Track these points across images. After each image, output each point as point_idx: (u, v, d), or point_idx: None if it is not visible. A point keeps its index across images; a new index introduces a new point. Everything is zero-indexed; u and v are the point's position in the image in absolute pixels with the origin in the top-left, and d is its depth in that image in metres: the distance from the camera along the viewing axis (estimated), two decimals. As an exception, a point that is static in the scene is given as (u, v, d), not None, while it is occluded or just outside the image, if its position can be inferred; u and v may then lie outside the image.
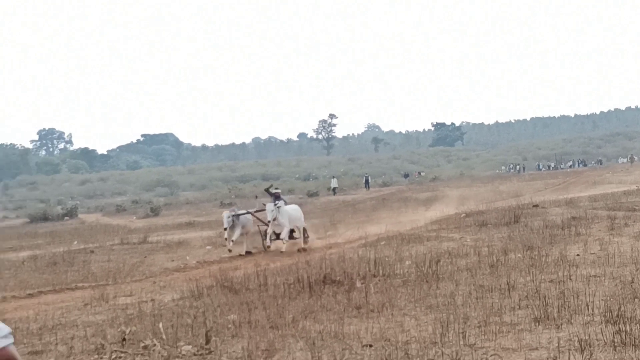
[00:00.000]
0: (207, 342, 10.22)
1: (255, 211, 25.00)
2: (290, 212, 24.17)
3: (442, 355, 8.15)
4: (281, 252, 22.53)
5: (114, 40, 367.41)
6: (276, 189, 27.20)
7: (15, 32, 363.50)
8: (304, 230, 25.19)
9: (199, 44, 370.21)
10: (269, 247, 24.25)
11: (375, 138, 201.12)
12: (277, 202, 24.22)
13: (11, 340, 2.22)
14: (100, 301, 15.62)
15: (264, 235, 24.16)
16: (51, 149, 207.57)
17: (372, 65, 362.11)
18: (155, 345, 10.31)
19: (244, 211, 25.01)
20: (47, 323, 13.34)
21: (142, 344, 10.42)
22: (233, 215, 23.78)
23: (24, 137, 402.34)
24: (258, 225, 24.66)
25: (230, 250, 23.77)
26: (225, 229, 23.74)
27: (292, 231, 24.65)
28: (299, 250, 22.87)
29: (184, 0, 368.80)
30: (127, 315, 13.47)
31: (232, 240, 23.70)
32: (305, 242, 24.68)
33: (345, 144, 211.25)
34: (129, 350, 10.27)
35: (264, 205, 24.75)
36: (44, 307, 15.70)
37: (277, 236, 24.33)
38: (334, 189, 75.22)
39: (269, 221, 23.32)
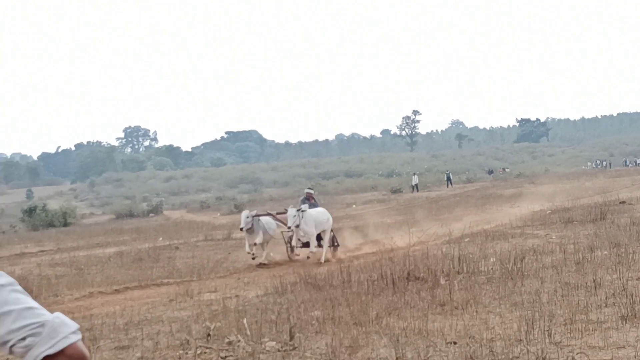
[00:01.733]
0: (291, 338, 10.23)
1: (277, 213, 22.91)
2: (316, 217, 21.76)
3: (528, 353, 8.08)
4: (321, 263, 20.49)
5: (199, 39, 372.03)
6: (309, 188, 26.52)
7: (101, 33, 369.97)
8: (333, 238, 23.20)
9: (282, 42, 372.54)
10: (297, 255, 22.55)
11: (459, 134, 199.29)
12: (301, 205, 22.23)
13: (79, 336, 2.27)
14: (185, 297, 15.83)
15: (288, 242, 22.48)
16: (137, 147, 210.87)
17: (456, 61, 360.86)
18: (239, 341, 10.38)
19: (264, 212, 23.12)
20: (133, 318, 13.56)
21: (226, 340, 10.52)
22: (253, 217, 21.63)
23: (110, 135, 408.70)
24: (282, 232, 22.65)
25: (253, 258, 21.66)
26: (242, 228, 21.67)
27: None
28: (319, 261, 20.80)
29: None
30: (211, 311, 13.61)
31: (255, 243, 21.61)
32: (334, 251, 22.80)
33: (429, 140, 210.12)
34: (213, 345, 10.36)
35: (286, 209, 22.58)
36: (130, 303, 15.98)
37: (304, 244, 22.49)
38: (415, 186, 74.82)
39: (289, 227, 21.24)
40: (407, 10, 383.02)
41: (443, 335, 9.63)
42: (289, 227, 21.03)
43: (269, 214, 22.71)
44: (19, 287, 2.39)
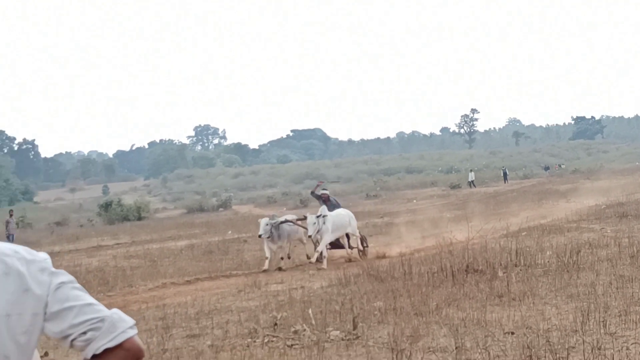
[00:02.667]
0: (355, 327, 10.25)
1: (298, 219, 20.89)
2: (335, 219, 19.97)
3: (583, 343, 7.99)
4: (319, 268, 18.80)
5: (267, 42, 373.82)
6: (324, 189, 23.95)
7: (175, 36, 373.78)
8: (362, 239, 21.68)
9: (346, 44, 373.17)
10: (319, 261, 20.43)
11: (516, 132, 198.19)
12: (321, 210, 20.26)
13: (136, 331, 2.30)
14: (253, 288, 15.89)
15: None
16: (206, 144, 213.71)
17: (513, 61, 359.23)
18: (305, 330, 10.43)
19: (283, 219, 20.85)
20: (203, 308, 13.69)
21: (292, 329, 10.58)
22: (273, 224, 19.83)
23: (181, 134, 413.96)
24: (309, 236, 20.55)
25: (284, 265, 20.03)
26: (260, 236, 20.00)
27: (337, 240, 20.93)
28: (348, 260, 19.81)
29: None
30: (278, 301, 13.68)
31: (282, 258, 20.12)
32: (363, 253, 21.12)
33: (487, 137, 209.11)
34: (280, 334, 10.42)
35: (305, 216, 20.74)
36: (201, 293, 16.13)
37: (333, 246, 20.95)
38: (471, 182, 74.45)
39: (309, 236, 19.60)
40: (466, 12, 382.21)
41: (501, 326, 9.57)
42: (310, 236, 19.53)
43: (287, 221, 20.75)
44: (78, 285, 2.42)
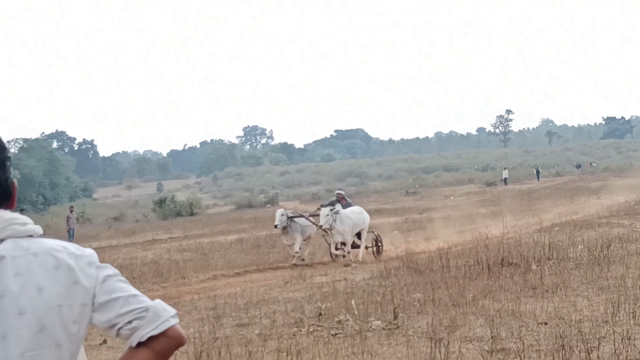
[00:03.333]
0: (395, 317, 10.30)
1: (311, 215, 20.39)
2: (352, 216, 19.55)
3: (614, 333, 7.96)
4: (357, 262, 18.60)
5: (311, 46, 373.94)
6: (339, 189, 24.09)
7: (222, 40, 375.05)
8: (377, 238, 21.02)
9: (387, 49, 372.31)
10: (342, 256, 20.17)
11: (549, 132, 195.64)
12: (335, 206, 19.85)
13: (177, 320, 2.37)
14: (299, 280, 15.99)
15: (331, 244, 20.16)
16: (254, 144, 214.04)
17: (546, 63, 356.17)
18: (348, 319, 10.47)
19: (298, 214, 20.65)
20: (252, 299, 13.79)
21: (336, 319, 10.65)
22: (288, 218, 19.61)
23: (231, 134, 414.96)
24: (324, 235, 20.42)
25: (298, 261, 19.66)
26: (276, 226, 19.83)
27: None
28: (346, 265, 18.36)
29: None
30: (322, 292, 13.72)
31: (296, 253, 19.65)
32: (377, 252, 20.56)
33: (521, 137, 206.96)
34: (324, 324, 10.48)
35: (319, 208, 20.23)
36: (249, 285, 16.27)
37: (354, 246, 20.31)
38: (505, 180, 73.64)
39: (320, 226, 19.01)
40: (500, 14, 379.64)
41: (535, 317, 9.56)
42: (321, 227, 18.94)
43: (301, 216, 20.55)
44: (123, 278, 2.50)
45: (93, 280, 2.37)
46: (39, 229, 2.37)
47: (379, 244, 20.75)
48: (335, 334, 9.98)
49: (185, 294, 16.01)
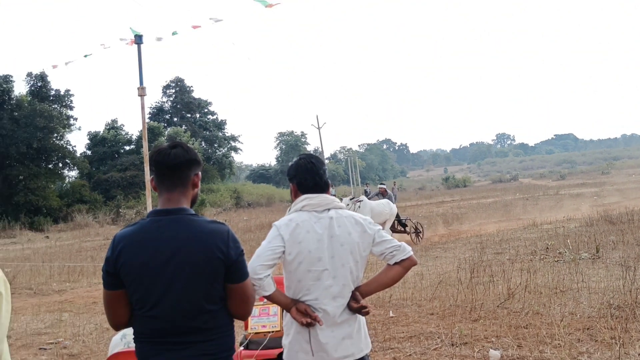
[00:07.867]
0: (597, 251, 12.06)
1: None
2: (374, 207, 18.33)
3: None
4: None
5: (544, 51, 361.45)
6: (382, 183, 23.34)
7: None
8: (417, 225, 20.04)
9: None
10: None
11: None
12: (360, 196, 18.99)
13: (412, 253, 3.29)
14: (533, 227, 18.65)
15: None
16: (503, 145, 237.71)
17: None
18: (565, 252, 12.44)
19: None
20: (504, 237, 16.47)
21: (557, 251, 12.66)
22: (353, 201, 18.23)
23: (487, 137, 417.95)
24: None
25: None
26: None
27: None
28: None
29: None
30: (548, 235, 15.89)
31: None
32: (416, 237, 19.80)
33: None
34: (550, 254, 12.55)
35: (341, 198, 18.73)
36: (503, 227, 20.16)
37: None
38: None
39: None
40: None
41: None
42: None
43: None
44: (384, 230, 3.33)
45: (372, 231, 3.25)
46: (343, 204, 3.27)
47: (419, 231, 19.65)
48: (557, 261, 11.83)
49: (461, 233, 20.34)
